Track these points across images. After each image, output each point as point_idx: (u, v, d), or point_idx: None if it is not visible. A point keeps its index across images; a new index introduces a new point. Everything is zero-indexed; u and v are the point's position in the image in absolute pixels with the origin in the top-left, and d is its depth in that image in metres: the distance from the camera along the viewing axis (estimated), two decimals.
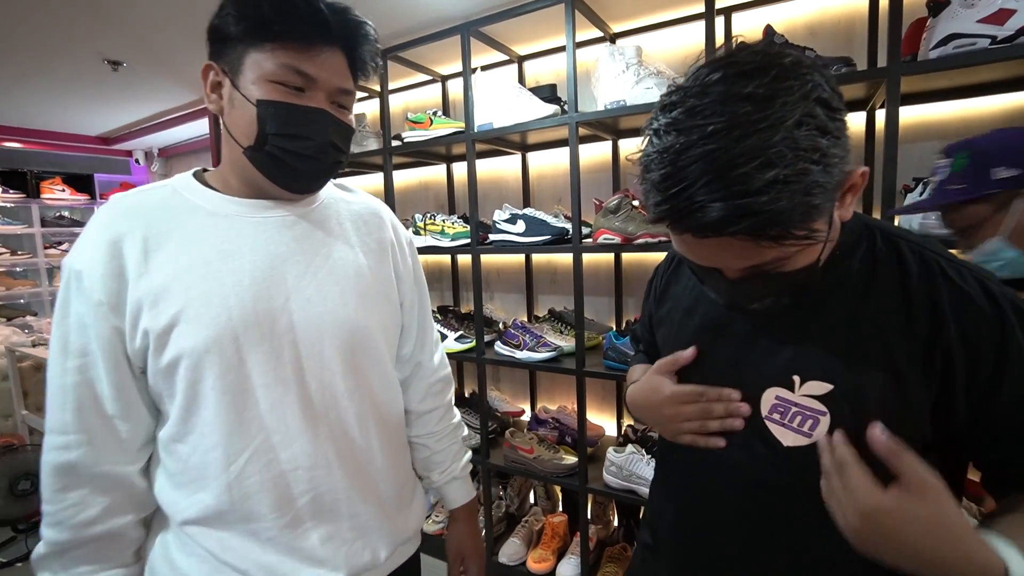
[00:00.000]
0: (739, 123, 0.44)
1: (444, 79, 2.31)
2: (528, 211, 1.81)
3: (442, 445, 0.96)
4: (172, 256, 0.66)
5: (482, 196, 2.18)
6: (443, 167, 2.38)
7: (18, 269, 3.74)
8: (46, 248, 3.84)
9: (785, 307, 0.58)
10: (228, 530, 0.69)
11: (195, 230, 0.68)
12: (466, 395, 2.36)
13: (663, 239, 1.51)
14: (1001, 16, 1.05)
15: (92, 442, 0.66)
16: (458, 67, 2.18)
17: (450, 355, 1.96)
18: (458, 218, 2.03)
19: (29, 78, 2.32)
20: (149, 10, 1.70)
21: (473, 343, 1.95)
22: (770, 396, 0.59)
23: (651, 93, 1.47)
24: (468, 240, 1.91)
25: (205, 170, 0.76)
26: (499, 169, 2.24)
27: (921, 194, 1.23)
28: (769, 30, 1.35)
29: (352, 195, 0.86)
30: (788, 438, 0.58)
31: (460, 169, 2.34)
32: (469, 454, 1.02)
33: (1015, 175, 0.81)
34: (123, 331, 0.65)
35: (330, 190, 0.83)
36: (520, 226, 1.78)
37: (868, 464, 0.53)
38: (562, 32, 1.63)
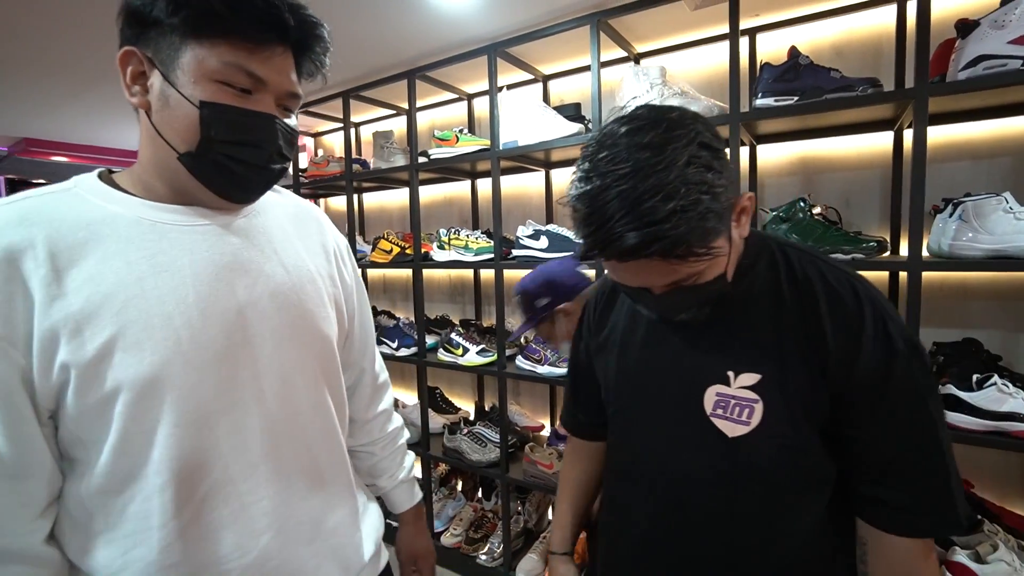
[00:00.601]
0: (642, 167, 0.54)
1: (470, 97, 2.36)
2: (551, 227, 1.83)
3: (387, 451, 0.93)
4: (93, 273, 0.56)
5: (506, 212, 2.21)
6: (468, 183, 2.42)
7: None
8: None
9: (710, 316, 0.68)
10: None
11: (118, 242, 0.58)
12: (486, 409, 2.38)
13: None
14: None
15: None
16: (484, 86, 2.22)
17: (471, 369, 1.99)
18: (482, 233, 2.06)
19: (77, 97, 2.44)
20: None
21: (494, 357, 1.97)
22: (711, 394, 0.68)
23: None
24: (491, 255, 1.94)
25: (111, 171, 0.65)
26: (523, 186, 2.27)
27: (950, 216, 1.22)
28: (793, 51, 1.35)
29: (282, 196, 0.80)
30: (730, 429, 0.66)
31: (484, 185, 2.38)
32: (412, 456, 1.00)
33: (548, 301, 1.18)
34: (27, 369, 0.53)
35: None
36: (543, 242, 1.80)
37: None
38: (587, 52, 1.67)
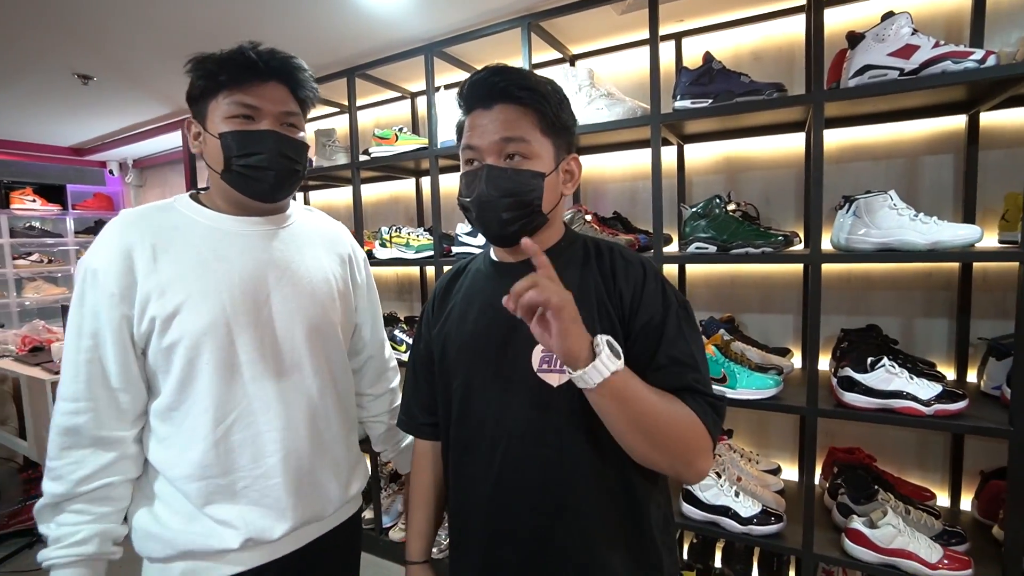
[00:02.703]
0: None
1: (413, 96, 2.38)
2: None
3: (394, 421, 1.12)
4: (176, 258, 0.82)
5: (450, 209, 2.23)
6: (413, 181, 2.43)
7: None
8: (15, 259, 3.78)
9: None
10: (210, 482, 0.82)
11: (194, 239, 0.85)
12: None
13: None
14: (907, 51, 1.15)
15: (97, 409, 0.79)
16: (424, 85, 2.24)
17: None
18: (424, 231, 2.08)
19: None
20: (117, 26, 1.74)
21: None
22: (537, 353, 0.78)
23: (601, 113, 1.55)
24: (432, 252, 1.96)
25: (199, 192, 0.93)
26: None
27: (847, 212, 1.32)
28: (708, 56, 1.43)
29: (315, 216, 1.05)
30: (555, 379, 0.76)
31: (428, 183, 2.40)
32: None
33: None
34: (131, 318, 0.80)
35: (298, 210, 1.00)
36: (480, 239, 1.83)
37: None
38: (520, 53, 1.71)
